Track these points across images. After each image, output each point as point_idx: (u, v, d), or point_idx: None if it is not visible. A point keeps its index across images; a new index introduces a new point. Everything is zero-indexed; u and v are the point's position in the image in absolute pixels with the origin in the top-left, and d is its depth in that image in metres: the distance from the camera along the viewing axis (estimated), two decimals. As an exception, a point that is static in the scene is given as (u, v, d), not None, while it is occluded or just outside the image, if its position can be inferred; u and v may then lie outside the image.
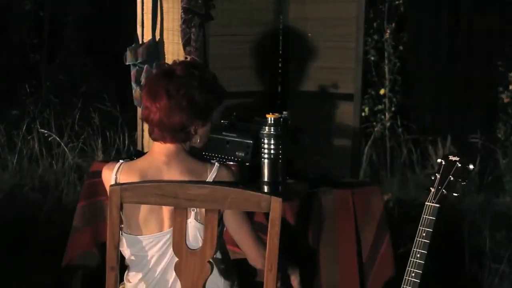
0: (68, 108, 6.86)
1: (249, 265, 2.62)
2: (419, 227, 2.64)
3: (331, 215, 3.27)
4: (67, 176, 5.90)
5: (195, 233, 2.49)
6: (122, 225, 2.50)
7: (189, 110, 2.49)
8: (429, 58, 7.80)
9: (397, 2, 7.43)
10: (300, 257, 3.08)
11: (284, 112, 3.39)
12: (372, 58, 7.38)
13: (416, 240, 2.63)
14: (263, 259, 2.46)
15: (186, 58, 3.88)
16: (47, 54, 8.92)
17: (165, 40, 4.09)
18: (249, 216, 2.61)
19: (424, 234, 2.63)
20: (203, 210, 2.38)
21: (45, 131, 6.33)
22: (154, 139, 2.56)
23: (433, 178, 2.67)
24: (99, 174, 3.68)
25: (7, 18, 9.03)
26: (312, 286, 3.16)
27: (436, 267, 4.21)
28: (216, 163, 2.51)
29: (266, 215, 2.33)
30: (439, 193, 2.64)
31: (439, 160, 2.69)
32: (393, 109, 7.29)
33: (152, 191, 2.33)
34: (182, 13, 3.88)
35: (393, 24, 7.40)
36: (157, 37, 4.10)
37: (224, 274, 2.61)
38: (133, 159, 2.63)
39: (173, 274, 2.47)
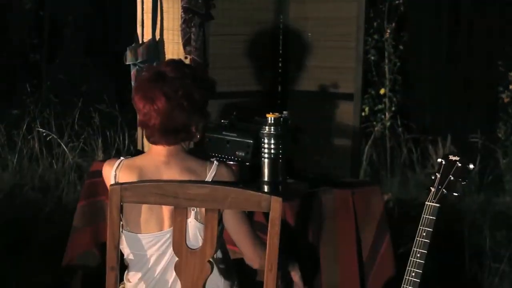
0: (68, 108, 6.87)
1: (250, 266, 2.62)
2: (419, 227, 2.63)
3: (331, 215, 3.27)
4: (67, 175, 5.90)
5: (195, 232, 2.49)
6: (122, 223, 2.49)
7: (189, 109, 2.47)
8: (429, 58, 7.80)
9: (397, 2, 7.43)
10: (300, 257, 3.08)
11: (284, 112, 3.39)
12: (372, 57, 7.38)
13: (416, 239, 2.63)
14: (260, 259, 2.46)
15: (186, 57, 3.88)
16: (47, 54, 8.93)
17: (165, 40, 4.09)
18: (249, 216, 2.61)
19: (424, 234, 2.62)
20: (203, 209, 2.38)
21: (44, 131, 6.34)
22: (153, 143, 2.54)
23: (433, 177, 2.67)
24: (99, 173, 3.69)
25: (7, 18, 9.03)
26: (312, 286, 3.16)
27: (436, 266, 4.21)
28: (215, 161, 2.51)
29: (266, 214, 2.33)
30: (439, 193, 2.64)
31: (439, 160, 2.69)
32: (393, 108, 7.30)
33: (152, 190, 2.33)
34: (182, 13, 3.88)
35: (393, 24, 7.40)
36: (157, 36, 4.10)
37: (224, 274, 2.60)
38: None
39: (173, 274, 2.46)
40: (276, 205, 2.26)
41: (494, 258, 4.62)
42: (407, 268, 2.64)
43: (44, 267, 4.21)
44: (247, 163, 3.39)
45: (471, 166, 2.66)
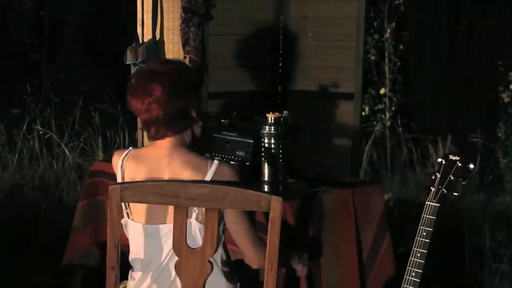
0: (68, 108, 6.87)
1: (250, 266, 2.62)
2: (419, 227, 2.63)
3: (331, 214, 3.27)
4: (68, 175, 5.90)
5: (196, 233, 2.49)
6: (127, 211, 2.56)
7: (186, 93, 2.55)
8: (429, 58, 7.80)
9: (397, 2, 7.43)
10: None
11: (284, 112, 3.39)
12: (373, 57, 7.39)
13: (417, 239, 2.63)
14: (260, 260, 2.46)
15: (185, 57, 3.88)
16: (47, 54, 8.93)
17: (165, 40, 4.08)
18: (251, 216, 2.61)
19: (424, 234, 2.62)
20: (204, 210, 2.38)
21: (43, 130, 6.34)
22: (161, 138, 2.58)
23: (433, 177, 2.67)
24: (99, 173, 3.72)
25: (7, 18, 9.04)
26: (312, 286, 3.16)
27: (436, 266, 4.22)
28: (216, 160, 2.54)
29: (266, 214, 2.32)
30: (440, 193, 2.64)
31: (439, 160, 2.69)
32: (393, 108, 7.30)
33: (152, 190, 2.33)
34: (182, 12, 3.87)
35: (394, 24, 7.40)
36: (157, 36, 4.09)
37: (227, 275, 2.61)
38: None
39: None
40: (276, 205, 2.26)
41: (494, 257, 4.62)
42: (407, 268, 2.64)
43: (44, 267, 4.21)
44: (247, 163, 3.38)
45: (471, 166, 2.66)
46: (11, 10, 9.01)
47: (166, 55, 4.06)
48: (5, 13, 8.99)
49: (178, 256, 2.35)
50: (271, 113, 3.23)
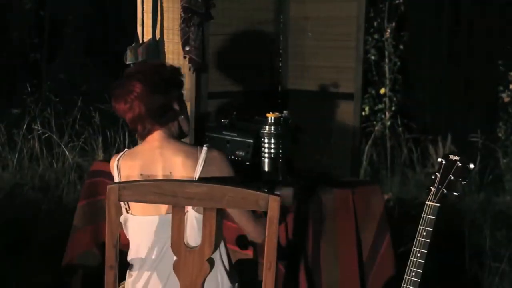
0: (68, 108, 6.87)
1: (250, 265, 2.62)
2: (419, 226, 2.63)
3: (331, 214, 3.26)
4: (68, 175, 5.90)
5: (193, 223, 2.54)
6: (126, 207, 2.62)
7: (163, 87, 2.63)
8: (429, 57, 7.80)
9: (397, 2, 7.43)
10: (300, 257, 3.08)
11: (285, 112, 3.39)
12: (373, 57, 7.38)
13: (417, 239, 2.63)
14: (262, 234, 2.47)
15: (184, 57, 3.88)
16: (48, 54, 8.94)
17: (165, 39, 4.08)
18: None
19: (424, 234, 2.62)
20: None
21: (42, 130, 6.33)
22: (149, 133, 2.66)
23: (433, 177, 2.67)
24: (99, 173, 3.71)
25: (7, 17, 9.04)
26: (312, 286, 3.15)
27: (436, 266, 4.21)
28: (205, 147, 2.60)
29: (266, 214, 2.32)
30: (440, 193, 2.63)
31: (439, 160, 2.69)
32: (393, 108, 7.30)
33: (150, 189, 2.33)
34: (182, 12, 3.87)
35: (394, 24, 7.40)
36: (157, 36, 4.09)
37: (227, 274, 2.61)
38: None
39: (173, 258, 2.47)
40: (274, 204, 2.26)
41: (494, 257, 4.62)
42: (407, 267, 2.64)
43: (44, 267, 4.21)
44: (247, 163, 3.38)
45: (471, 165, 2.66)
46: (11, 10, 9.01)
47: (166, 55, 4.06)
48: (5, 13, 8.99)
49: (176, 256, 2.35)
50: (271, 113, 3.23)
